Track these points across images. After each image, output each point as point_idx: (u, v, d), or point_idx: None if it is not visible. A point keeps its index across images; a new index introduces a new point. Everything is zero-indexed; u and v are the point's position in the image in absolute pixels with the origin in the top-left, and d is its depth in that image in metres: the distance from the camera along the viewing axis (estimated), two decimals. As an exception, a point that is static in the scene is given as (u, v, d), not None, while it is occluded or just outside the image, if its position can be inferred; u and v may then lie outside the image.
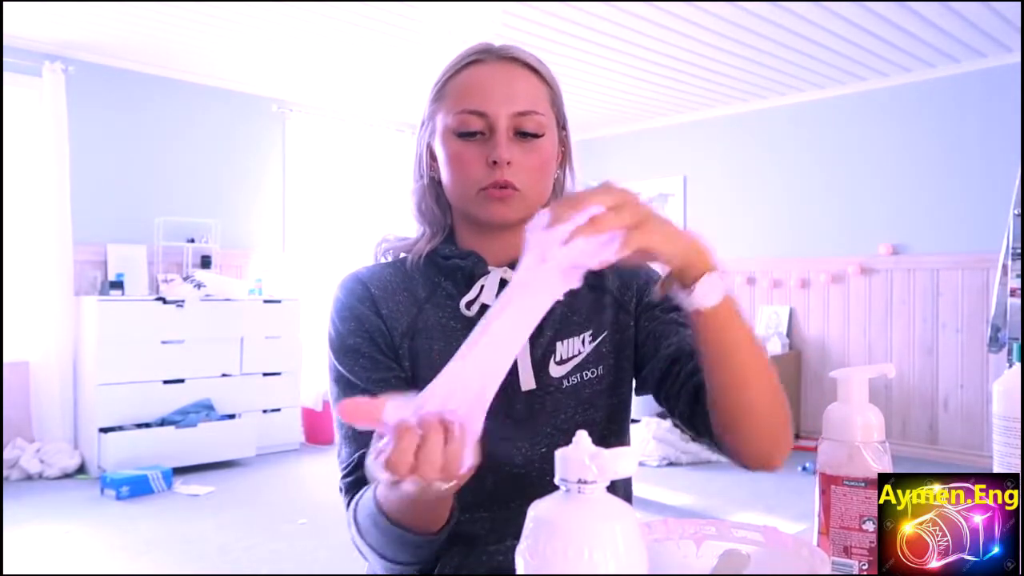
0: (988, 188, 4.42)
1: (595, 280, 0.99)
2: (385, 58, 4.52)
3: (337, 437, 0.93)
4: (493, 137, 0.88)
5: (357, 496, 0.85)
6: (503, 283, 0.93)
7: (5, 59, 4.18)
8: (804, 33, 4.06)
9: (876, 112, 4.93)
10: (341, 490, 0.90)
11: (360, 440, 0.88)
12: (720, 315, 0.75)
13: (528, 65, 0.92)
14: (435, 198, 0.97)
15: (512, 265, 0.92)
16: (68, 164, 4.36)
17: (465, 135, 0.89)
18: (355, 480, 0.88)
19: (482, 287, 0.92)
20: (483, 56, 0.91)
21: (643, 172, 6.11)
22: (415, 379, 0.91)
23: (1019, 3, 3.66)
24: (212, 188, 5.03)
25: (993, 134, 4.44)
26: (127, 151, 4.70)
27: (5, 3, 3.65)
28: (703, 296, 0.73)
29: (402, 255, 0.99)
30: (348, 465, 0.89)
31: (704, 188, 5.80)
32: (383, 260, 1.01)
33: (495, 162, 0.87)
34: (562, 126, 0.96)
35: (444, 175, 0.93)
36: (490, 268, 0.93)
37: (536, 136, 0.90)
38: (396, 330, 0.92)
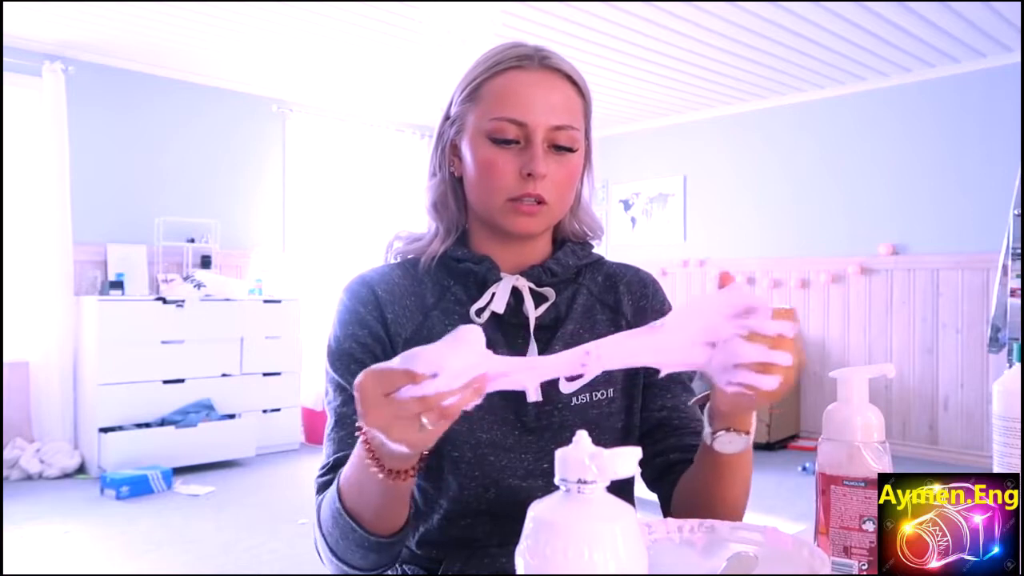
0: (988, 188, 4.42)
1: (613, 301, 0.98)
2: (385, 58, 4.53)
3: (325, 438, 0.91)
4: (529, 148, 0.87)
5: (324, 493, 0.83)
6: (515, 291, 0.92)
7: (5, 59, 4.18)
8: (804, 33, 4.06)
9: (876, 112, 4.93)
10: (315, 491, 0.89)
11: (344, 442, 0.87)
12: (733, 461, 0.78)
13: (567, 76, 0.92)
14: (454, 195, 0.95)
15: (524, 273, 0.93)
16: (68, 164, 4.36)
17: (500, 142, 0.88)
18: (328, 481, 0.86)
19: (493, 295, 0.91)
20: (523, 63, 0.89)
21: (643, 172, 6.11)
22: None
23: (1019, 3, 3.66)
24: (212, 188, 5.03)
25: (993, 134, 4.43)
26: (127, 151, 4.70)
27: (5, 3, 3.65)
28: (728, 444, 0.77)
29: (411, 256, 0.97)
30: (325, 465, 0.88)
31: (704, 188, 5.80)
32: (394, 261, 0.98)
33: (530, 174, 0.86)
34: (586, 135, 0.95)
35: (470, 178, 0.91)
36: (502, 275, 0.92)
37: (570, 151, 0.90)
38: (399, 336, 0.90)
